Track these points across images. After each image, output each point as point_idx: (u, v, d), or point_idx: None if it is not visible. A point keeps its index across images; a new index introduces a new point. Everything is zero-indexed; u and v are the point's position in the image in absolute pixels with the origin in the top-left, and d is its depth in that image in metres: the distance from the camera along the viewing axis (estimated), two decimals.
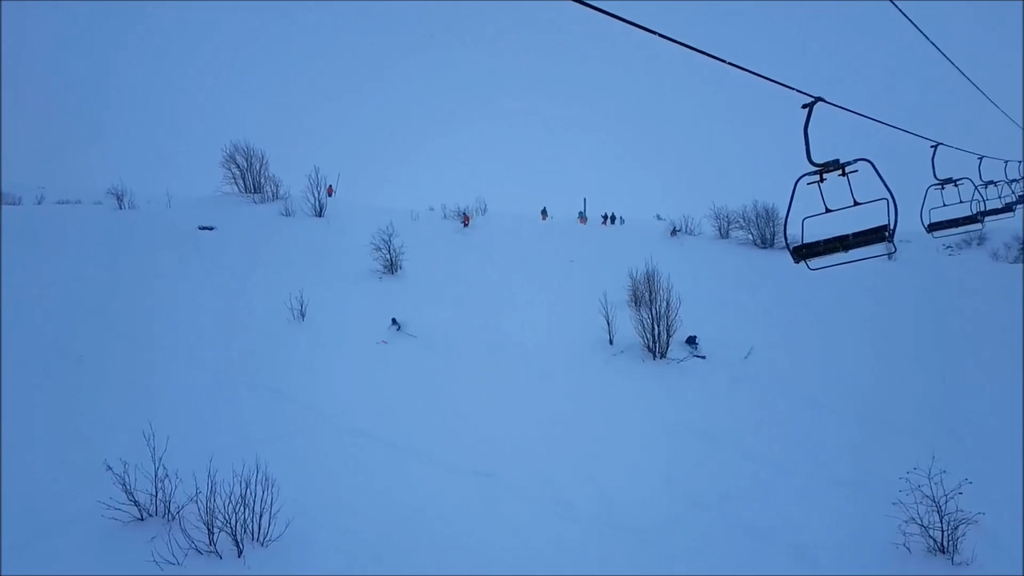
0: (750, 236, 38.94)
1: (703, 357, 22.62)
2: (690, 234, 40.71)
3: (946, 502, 13.14)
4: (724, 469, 16.64)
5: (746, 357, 22.68)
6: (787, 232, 7.01)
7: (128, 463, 12.87)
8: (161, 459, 13.05)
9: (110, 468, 12.91)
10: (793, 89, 5.53)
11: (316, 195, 36.49)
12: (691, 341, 23.36)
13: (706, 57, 4.43)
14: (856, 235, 6.51)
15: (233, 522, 12.43)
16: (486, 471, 15.97)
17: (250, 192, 40.82)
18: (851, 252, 6.65)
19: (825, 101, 5.98)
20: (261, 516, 12.79)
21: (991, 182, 11.77)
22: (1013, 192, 12.60)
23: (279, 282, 24.50)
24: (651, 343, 22.85)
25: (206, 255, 27.88)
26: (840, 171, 6.36)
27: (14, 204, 40.95)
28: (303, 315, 22.74)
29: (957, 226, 10.86)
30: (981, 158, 11.43)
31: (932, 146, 9.60)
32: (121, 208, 35.51)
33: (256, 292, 24.18)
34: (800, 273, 29.44)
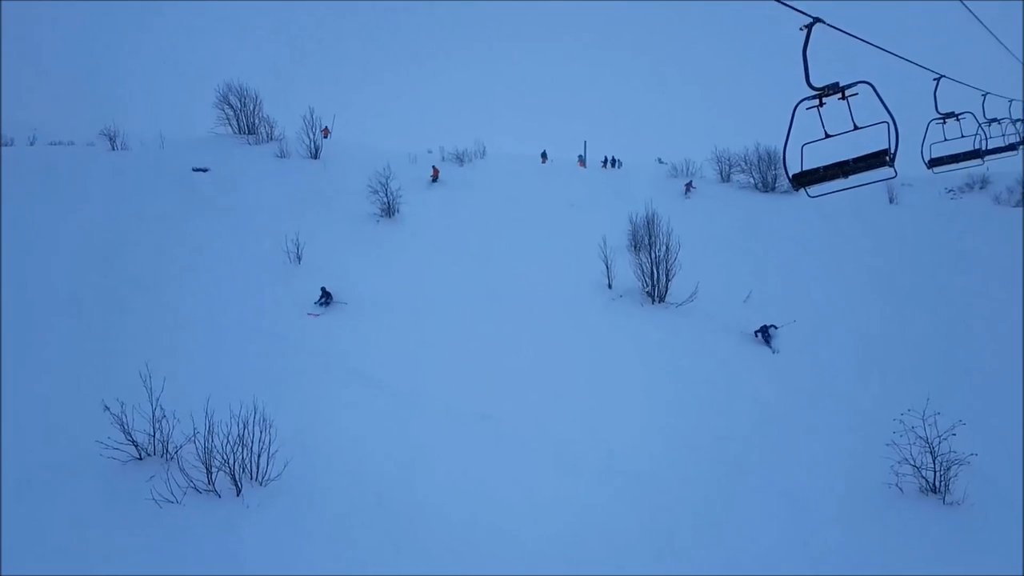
0: (752, 180, 38.51)
1: (776, 351, 20.02)
2: (691, 177, 40.24)
3: (939, 443, 13.24)
4: (722, 412, 16.74)
5: (745, 301, 22.62)
6: (786, 159, 6.82)
7: (125, 403, 12.90)
8: (159, 400, 13.09)
9: (108, 408, 12.95)
10: (791, 7, 5.27)
11: (311, 137, 35.88)
12: (764, 333, 20.46)
13: None
14: (856, 160, 6.32)
15: (231, 462, 12.54)
16: (486, 414, 16.05)
17: (244, 133, 40.15)
18: (851, 178, 6.48)
19: (824, 23, 5.74)
20: (259, 457, 12.89)
21: (995, 119, 11.44)
22: (1018, 132, 12.29)
23: (275, 225, 24.23)
24: (650, 287, 22.78)
25: (201, 197, 27.55)
26: (840, 94, 6.14)
27: (7, 145, 40.39)
28: (299, 258, 22.60)
29: (958, 161, 10.59)
30: (985, 95, 11.09)
31: (935, 79, 9.29)
32: (114, 149, 35.00)
33: (252, 235, 23.98)
34: (802, 217, 29.21)
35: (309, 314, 19.93)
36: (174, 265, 21.25)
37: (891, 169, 6.22)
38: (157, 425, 13.17)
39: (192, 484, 12.28)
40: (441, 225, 27.56)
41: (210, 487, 12.39)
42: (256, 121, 40.61)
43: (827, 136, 6.62)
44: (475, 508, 12.86)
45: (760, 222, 30.59)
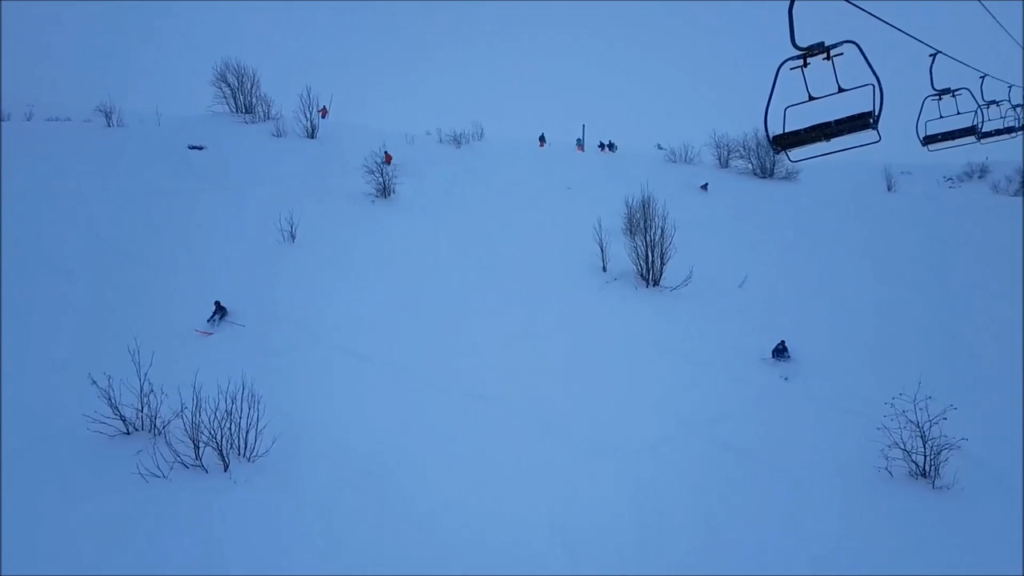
0: (750, 165, 38.31)
1: (785, 379, 17.85)
2: (689, 163, 40.06)
3: (930, 427, 13.21)
4: (713, 392, 16.73)
5: (740, 285, 22.54)
6: (768, 121, 6.67)
7: (113, 377, 12.84)
8: (147, 374, 13.04)
9: (95, 382, 12.89)
10: None
11: (308, 116, 35.61)
12: (779, 353, 18.53)
13: None
14: (839, 122, 6.16)
15: (219, 437, 12.50)
16: (479, 393, 16.04)
17: (241, 112, 39.83)
18: (835, 142, 6.33)
19: None
20: (247, 432, 12.85)
21: (994, 101, 11.25)
22: (1017, 117, 12.11)
23: (270, 203, 24.05)
24: (645, 271, 22.69)
25: (196, 175, 27.35)
26: (825, 54, 6.01)
27: (4, 120, 40.07)
28: (293, 237, 22.45)
29: (953, 138, 10.41)
30: (984, 76, 10.86)
31: (931, 55, 9.12)
32: (110, 126, 34.72)
33: (247, 213, 23.79)
34: (799, 203, 29.08)
35: (198, 331, 17.24)
36: (166, 241, 21.11)
37: (875, 132, 6.07)
38: (145, 400, 13.13)
39: (179, 459, 12.25)
40: (437, 206, 27.40)
41: (197, 462, 12.36)
42: (254, 100, 40.24)
43: (811, 99, 6.47)
44: (464, 482, 12.89)
45: (758, 208, 30.43)
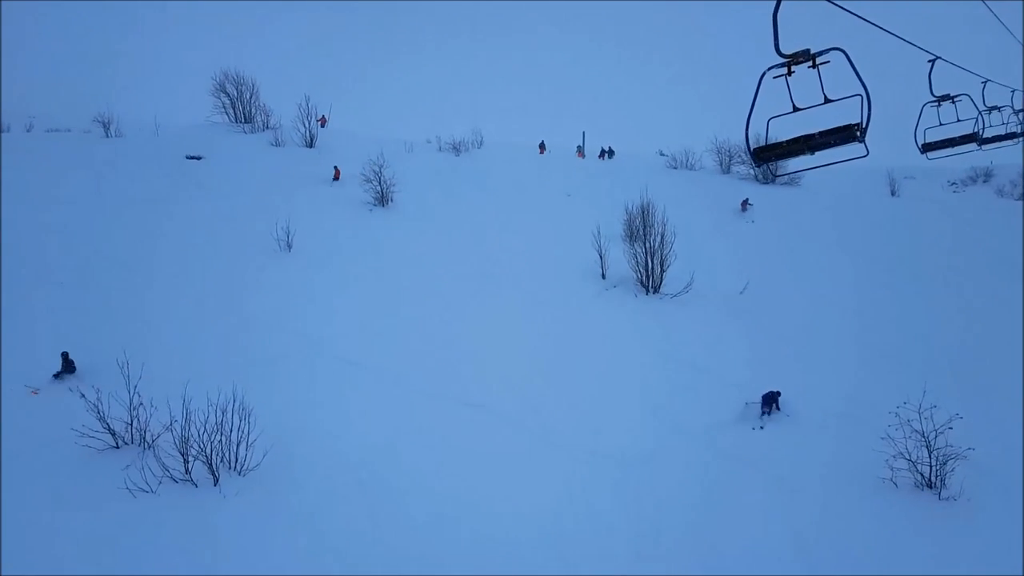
0: (752, 171, 38.05)
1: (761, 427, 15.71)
2: (690, 168, 39.83)
3: (935, 437, 12.91)
4: (713, 401, 16.44)
5: (741, 292, 22.27)
6: (749, 133, 6.38)
7: (101, 390, 12.62)
8: (136, 387, 12.81)
9: (83, 396, 12.68)
10: None
11: (307, 125, 35.48)
12: (769, 403, 15.94)
13: None
14: (823, 133, 5.79)
15: (208, 451, 12.25)
16: (474, 401, 15.80)
17: (241, 122, 39.74)
18: (820, 155, 6.01)
19: None
20: (238, 445, 12.60)
21: (995, 107, 10.98)
22: (1020, 122, 11.83)
23: (266, 213, 23.83)
24: (644, 278, 22.46)
25: (193, 185, 27.21)
26: (811, 62, 5.68)
27: (3, 131, 40.06)
28: (290, 246, 22.26)
29: (953, 146, 10.15)
30: (985, 82, 10.60)
31: (930, 60, 8.86)
32: (108, 136, 34.65)
33: (243, 223, 23.60)
34: (802, 209, 28.81)
35: (27, 387, 14.61)
36: (161, 251, 20.93)
37: (862, 145, 5.73)
38: (134, 413, 12.90)
39: (168, 473, 12.00)
40: (435, 214, 27.20)
41: (187, 476, 12.12)
42: (253, 110, 40.19)
43: (796, 109, 6.18)
44: (456, 492, 12.65)
45: (760, 213, 30.15)
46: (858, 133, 5.63)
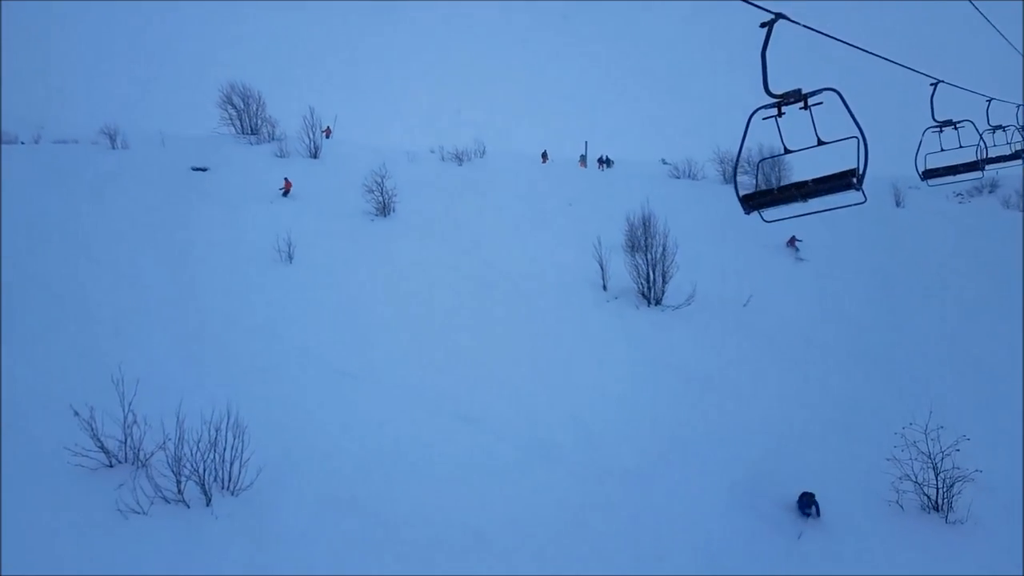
0: (755, 181, 37.78)
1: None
2: (692, 178, 39.65)
3: (942, 459, 12.67)
4: (715, 416, 16.24)
5: (745, 304, 22.04)
6: (737, 178, 6.14)
7: (95, 408, 12.42)
8: (131, 405, 12.61)
9: (77, 414, 12.47)
10: (750, 3, 4.56)
11: (311, 136, 35.52)
12: (806, 505, 13.17)
13: None
14: (817, 181, 5.41)
15: (201, 470, 12.03)
16: (471, 414, 15.62)
17: (247, 133, 39.81)
18: (813, 202, 5.71)
19: (787, 19, 5.00)
20: (232, 464, 12.39)
21: (999, 126, 10.74)
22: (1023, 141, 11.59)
23: (269, 224, 23.78)
24: (646, 289, 22.26)
25: (198, 196, 27.09)
26: (802, 103, 5.34)
27: (12, 143, 40.14)
28: (291, 257, 22.12)
29: (956, 173, 9.89)
30: (990, 100, 10.36)
31: (932, 84, 8.63)
32: (114, 148, 34.69)
33: (245, 234, 23.53)
34: (806, 220, 28.64)
35: None
36: (161, 263, 20.78)
37: (859, 193, 5.35)
38: (128, 431, 12.70)
39: (160, 493, 11.78)
40: (437, 223, 27.07)
41: (179, 496, 11.91)
42: (259, 121, 40.33)
43: (786, 152, 5.91)
44: (452, 508, 12.46)
45: (763, 224, 29.86)
46: (855, 180, 5.27)
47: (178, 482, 11.93)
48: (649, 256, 22.40)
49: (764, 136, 5.92)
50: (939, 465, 12.67)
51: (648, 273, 22.25)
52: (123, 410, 12.55)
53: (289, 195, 28.75)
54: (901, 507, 12.85)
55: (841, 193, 5.45)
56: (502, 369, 17.35)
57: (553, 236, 26.42)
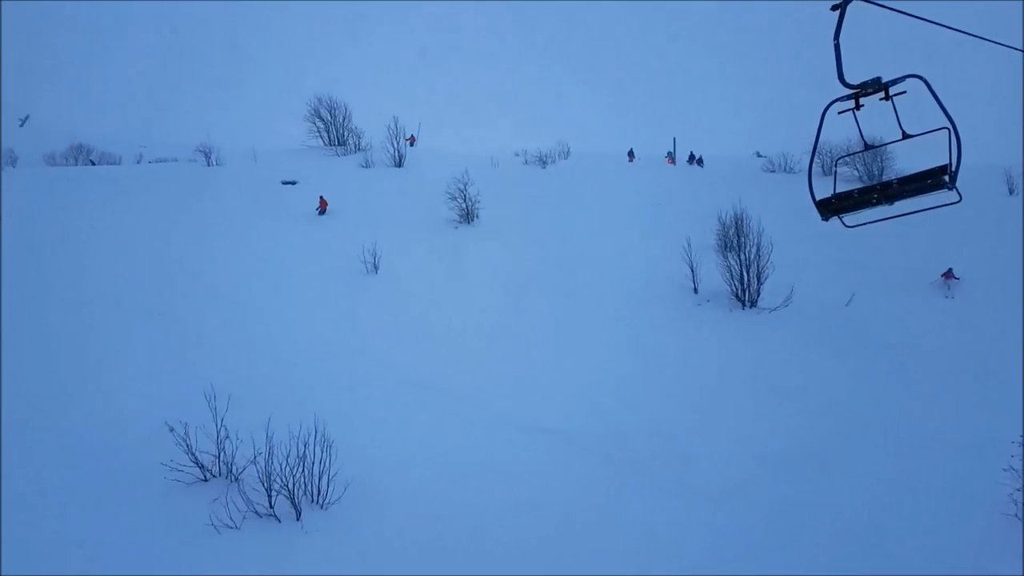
0: (856, 172, 35.97)
1: None
2: (789, 172, 38.10)
3: None
4: (811, 429, 15.24)
5: (847, 304, 20.88)
6: (812, 179, 5.57)
7: (188, 424, 12.79)
8: (223, 420, 12.93)
9: (172, 429, 12.87)
10: None
11: (395, 145, 36.13)
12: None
13: None
14: (903, 181, 4.88)
15: (291, 484, 12.21)
16: (556, 428, 15.26)
17: (334, 145, 40.93)
18: (898, 204, 5.10)
19: None
20: (320, 478, 12.53)
21: None
22: None
23: (355, 234, 24.23)
24: (739, 291, 21.39)
25: (286, 210, 27.94)
26: (883, 94, 4.82)
27: (114, 164, 42.66)
28: (376, 268, 22.42)
29: None
30: None
31: None
32: (209, 165, 36.23)
33: (331, 245, 24.06)
34: (913, 215, 26.84)
35: None
36: (250, 278, 21.44)
37: (953, 192, 4.77)
38: (221, 446, 13.03)
39: (252, 508, 12.01)
40: (520, 228, 26.93)
41: (270, 511, 12.10)
42: (345, 132, 41.39)
43: (867, 148, 5.32)
44: (542, 530, 12.09)
45: (865, 218, 28.28)
46: (947, 179, 4.68)
47: (269, 496, 12.11)
48: (742, 256, 21.53)
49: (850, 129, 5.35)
50: None
51: (742, 274, 21.39)
52: (216, 425, 12.89)
53: (326, 213, 28.19)
54: (1020, 519, 11.77)
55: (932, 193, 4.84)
56: (589, 382, 16.93)
57: (640, 238, 25.83)
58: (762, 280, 21.21)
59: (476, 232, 26.64)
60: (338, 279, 21.70)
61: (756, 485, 13.39)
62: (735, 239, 22.23)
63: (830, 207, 5.25)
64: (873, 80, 4.88)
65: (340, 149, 39.84)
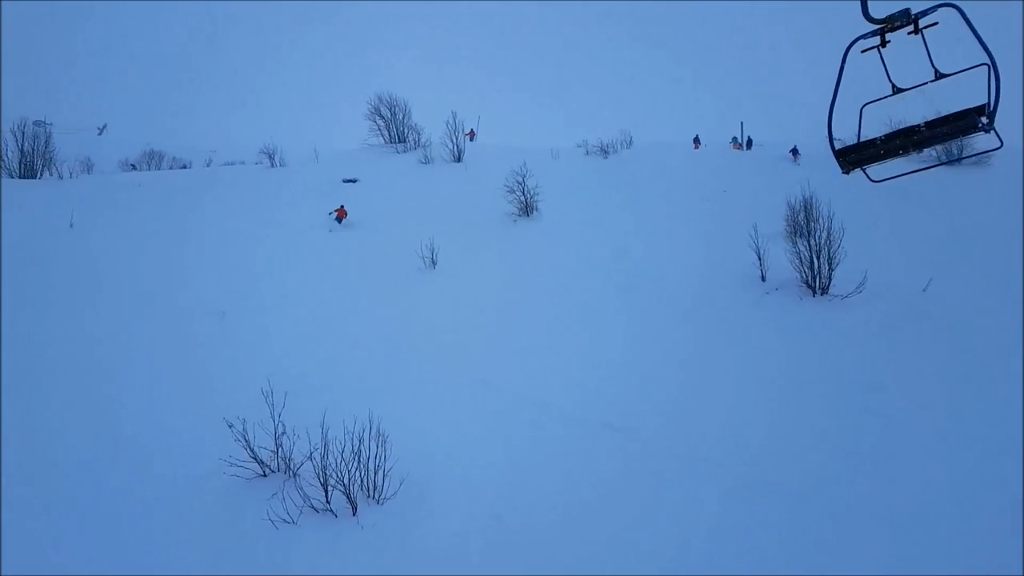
0: (934, 151, 34.14)
1: None
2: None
3: None
4: (891, 424, 14.39)
5: (924, 290, 19.74)
6: (832, 127, 4.97)
7: (247, 420, 12.87)
8: (280, 416, 12.97)
9: (231, 426, 12.96)
10: None
11: (454, 140, 36.09)
12: None
13: None
14: (931, 124, 4.33)
15: (346, 480, 12.13)
16: (621, 426, 14.77)
17: (394, 142, 41.19)
18: (929, 152, 4.48)
19: None
20: (376, 473, 12.42)
21: None
22: None
23: (412, 230, 24.23)
24: (810, 278, 20.46)
25: (348, 208, 28.15)
26: (912, 27, 4.30)
27: (185, 167, 44.05)
28: (434, 263, 22.32)
29: None
30: None
31: None
32: (273, 166, 36.89)
33: (390, 242, 24.09)
34: (991, 191, 25.22)
35: None
36: (310, 276, 21.59)
37: (992, 136, 4.19)
38: (279, 441, 13.07)
39: (309, 503, 11.99)
40: (581, 221, 26.45)
41: (327, 506, 12.06)
42: (405, 130, 41.61)
43: (896, 91, 4.70)
44: (603, 532, 11.65)
45: (942, 199, 26.84)
46: (983, 121, 4.10)
47: (326, 491, 12.07)
48: (812, 242, 20.60)
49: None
50: None
51: (812, 260, 20.46)
52: (273, 421, 12.94)
53: (343, 222, 27.06)
54: None
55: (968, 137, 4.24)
56: (653, 377, 16.39)
57: (704, 227, 25.04)
58: (833, 266, 20.25)
59: (535, 225, 26.29)
60: (396, 275, 21.68)
61: (831, 484, 12.63)
62: (804, 224, 21.30)
63: (850, 158, 4.68)
64: (900, 12, 4.37)
65: (400, 146, 40.05)
